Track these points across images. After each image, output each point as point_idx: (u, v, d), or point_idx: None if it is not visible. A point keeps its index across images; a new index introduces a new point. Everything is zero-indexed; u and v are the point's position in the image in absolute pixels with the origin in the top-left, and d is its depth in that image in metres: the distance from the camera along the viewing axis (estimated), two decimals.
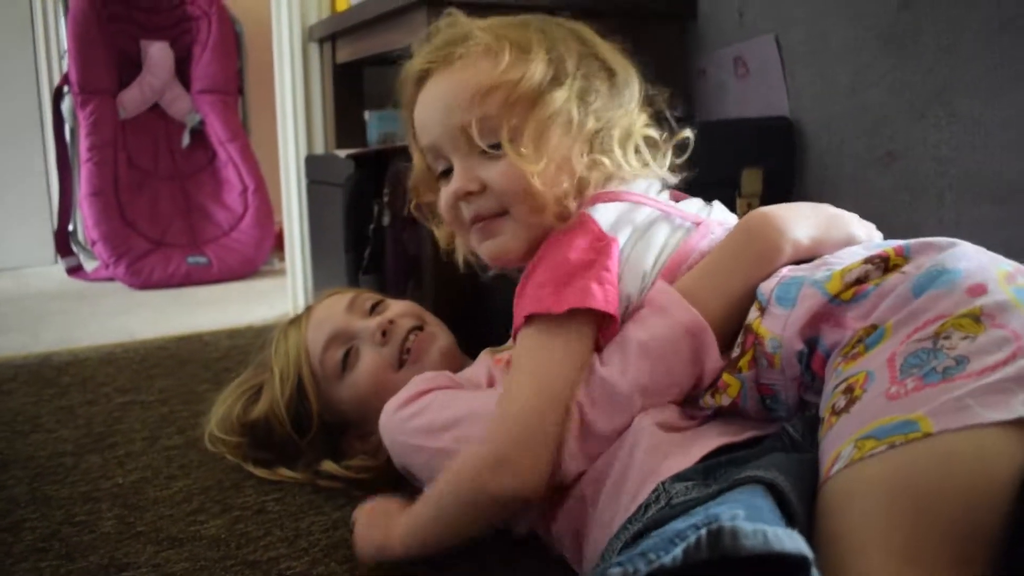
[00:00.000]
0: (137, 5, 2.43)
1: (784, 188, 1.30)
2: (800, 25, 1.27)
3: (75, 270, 2.42)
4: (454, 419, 0.83)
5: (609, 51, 0.85)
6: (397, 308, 1.08)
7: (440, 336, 1.06)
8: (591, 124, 0.79)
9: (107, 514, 1.02)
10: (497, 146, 0.77)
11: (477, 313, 1.29)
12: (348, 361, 1.04)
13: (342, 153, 1.69)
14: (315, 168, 1.66)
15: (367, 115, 1.75)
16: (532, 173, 0.75)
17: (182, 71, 2.49)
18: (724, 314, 0.73)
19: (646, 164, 0.83)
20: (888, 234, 1.15)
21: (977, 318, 0.57)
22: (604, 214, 0.78)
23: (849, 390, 0.60)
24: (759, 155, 1.27)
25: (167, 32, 2.47)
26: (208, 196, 2.48)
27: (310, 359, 1.06)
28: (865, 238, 0.79)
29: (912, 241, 0.66)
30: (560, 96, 0.77)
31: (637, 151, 0.83)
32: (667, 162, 0.86)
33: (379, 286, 1.43)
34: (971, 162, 1.07)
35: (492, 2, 1.30)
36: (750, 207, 1.26)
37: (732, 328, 0.73)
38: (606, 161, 0.80)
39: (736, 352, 0.71)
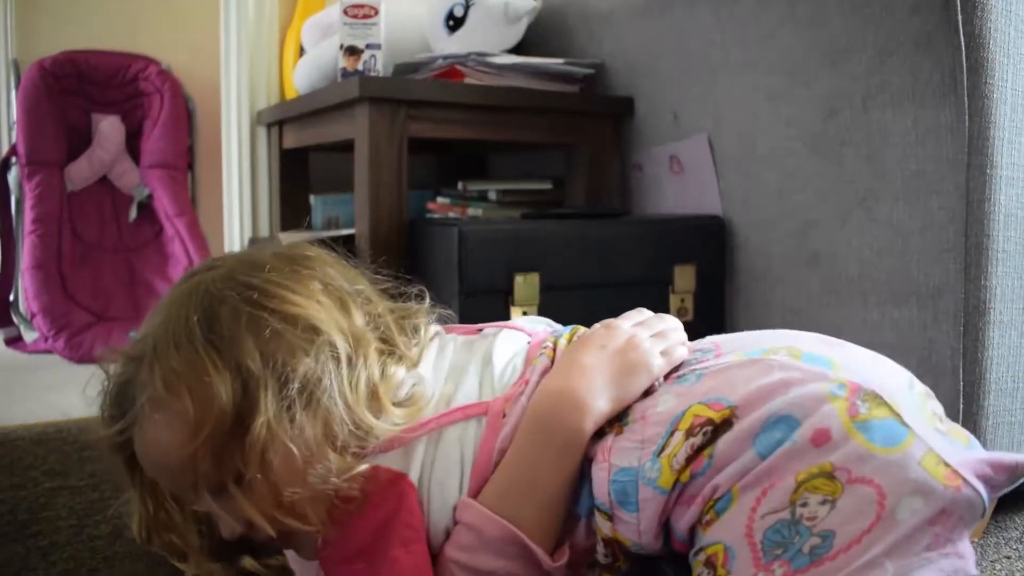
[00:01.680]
0: (89, 79, 2.43)
1: (716, 285, 1.34)
2: (731, 128, 1.32)
3: (14, 341, 2.36)
4: None
5: (290, 297, 0.68)
6: None
7: None
8: (311, 430, 0.64)
9: None
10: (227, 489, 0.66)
11: None
12: None
13: (285, 236, 1.70)
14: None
15: (312, 199, 1.76)
16: (274, 514, 0.65)
17: (132, 145, 2.49)
18: (541, 515, 0.67)
19: (413, 405, 0.70)
20: (816, 331, 1.20)
21: (831, 475, 0.55)
22: (386, 457, 0.68)
23: (710, 564, 0.59)
24: (692, 253, 1.31)
25: (119, 107, 2.47)
26: (153, 270, 2.45)
27: None
28: (664, 367, 0.71)
29: (739, 392, 0.62)
30: (260, 425, 0.63)
31: (387, 403, 0.69)
32: (420, 348, 0.75)
33: None
34: (893, 266, 1.11)
35: (434, 100, 1.34)
36: (683, 303, 1.30)
37: (555, 521, 0.68)
38: (359, 455, 0.67)
39: (608, 560, 0.68)
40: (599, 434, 0.68)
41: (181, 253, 2.46)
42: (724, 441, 0.60)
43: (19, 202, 2.35)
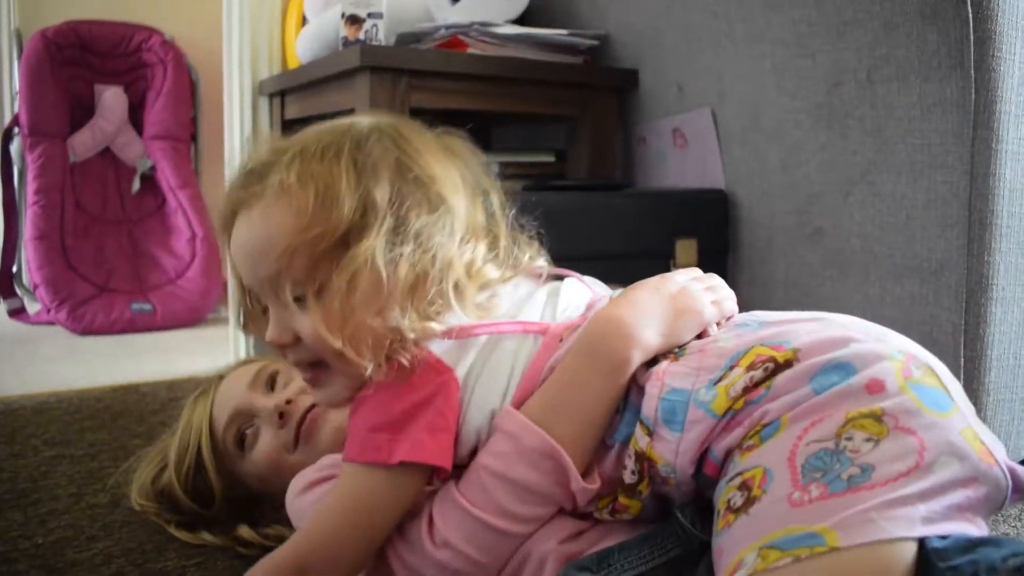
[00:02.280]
0: (93, 50, 2.42)
1: (718, 260, 1.33)
2: (735, 101, 1.31)
3: (17, 312, 2.37)
4: None
5: (434, 164, 0.73)
6: (298, 384, 1.02)
7: (334, 413, 1.01)
8: (405, 273, 0.68)
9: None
10: (306, 298, 0.69)
11: None
12: (246, 442, 1.01)
13: None
14: None
15: None
16: (336, 335, 0.67)
17: (135, 117, 2.49)
18: (579, 434, 0.69)
19: (485, 309, 0.73)
20: (818, 307, 1.19)
21: (879, 418, 0.57)
22: (441, 346, 0.71)
23: (745, 487, 0.59)
24: (693, 226, 1.30)
25: (122, 77, 2.47)
26: (156, 242, 2.46)
27: (213, 434, 1.04)
28: (716, 316, 0.75)
29: (802, 339, 0.64)
30: (365, 249, 0.67)
31: (472, 291, 0.73)
32: (516, 271, 0.78)
33: None
34: (895, 241, 1.10)
35: (435, 70, 1.33)
36: None
37: (590, 445, 0.70)
38: (431, 320, 0.70)
39: (633, 479, 0.68)
40: (652, 362, 0.70)
41: (184, 225, 2.46)
42: (783, 377, 0.62)
43: (21, 173, 2.35)
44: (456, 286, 0.71)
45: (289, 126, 1.73)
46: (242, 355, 1.90)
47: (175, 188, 2.43)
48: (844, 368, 0.60)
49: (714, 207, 1.32)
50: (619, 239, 1.26)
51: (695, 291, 0.76)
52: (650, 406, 0.67)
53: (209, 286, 2.40)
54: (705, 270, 1.32)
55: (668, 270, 1.29)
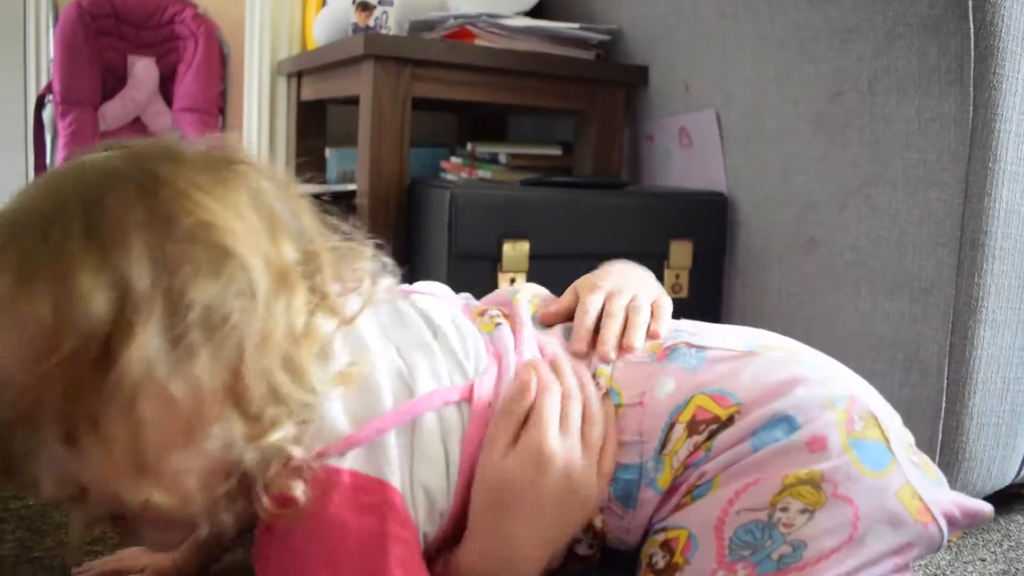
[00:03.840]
0: (126, 20, 2.46)
1: (714, 263, 1.32)
2: (740, 104, 1.29)
3: None
4: None
5: (207, 203, 0.50)
6: None
7: None
8: (207, 375, 0.47)
9: (9, 536, 1.03)
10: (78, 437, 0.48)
11: None
12: None
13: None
14: None
15: (328, 152, 1.77)
16: (136, 482, 0.48)
17: (166, 88, 2.52)
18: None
19: (347, 376, 0.55)
20: (810, 318, 1.18)
21: (818, 485, 0.55)
22: (356, 459, 0.55)
23: (668, 548, 0.58)
24: (690, 228, 1.29)
25: (154, 49, 2.50)
26: None
27: None
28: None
29: (745, 389, 0.60)
30: (135, 358, 0.46)
31: (311, 361, 0.52)
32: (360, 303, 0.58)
33: None
34: (887, 256, 1.08)
35: (439, 60, 1.33)
36: (678, 279, 1.28)
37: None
38: (276, 427, 0.50)
39: (588, 551, 0.64)
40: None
41: None
42: (724, 436, 0.59)
43: (53, 140, 2.40)
44: (287, 365, 0.51)
45: (305, 107, 1.74)
46: None
47: None
48: (786, 422, 0.57)
49: (713, 210, 1.31)
50: (612, 238, 1.25)
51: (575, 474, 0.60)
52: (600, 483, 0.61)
53: None
54: (701, 273, 1.32)
55: (662, 271, 1.29)
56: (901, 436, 0.61)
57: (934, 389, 1.03)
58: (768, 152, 1.25)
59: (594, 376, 0.65)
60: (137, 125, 2.50)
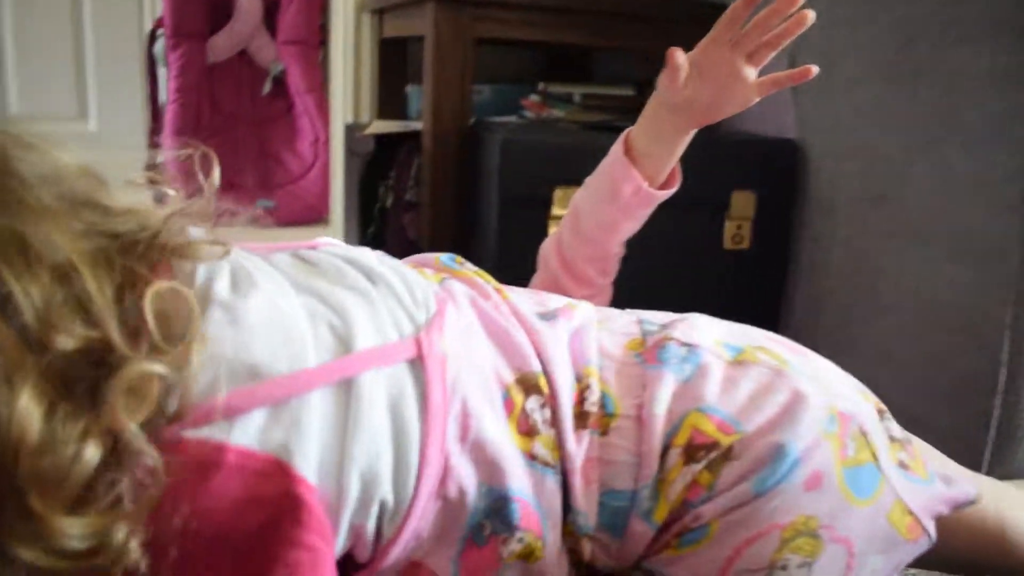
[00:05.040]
0: None
1: (780, 215, 1.27)
2: (811, 50, 1.22)
3: (162, 198, 2.58)
4: None
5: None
6: None
7: None
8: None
9: None
10: None
11: None
12: None
13: (379, 124, 1.75)
14: (351, 138, 1.72)
15: (408, 89, 1.78)
16: None
17: (270, 20, 2.58)
18: None
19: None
20: (874, 276, 1.12)
21: (815, 533, 0.53)
22: (249, 430, 0.43)
23: None
24: (753, 177, 1.24)
25: None
26: (282, 143, 2.58)
27: None
28: None
29: (746, 414, 0.55)
30: None
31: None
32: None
33: None
34: (954, 217, 1.02)
35: (503, 1, 1.31)
36: (739, 229, 1.24)
37: None
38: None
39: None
40: (582, 419, 0.55)
41: (308, 128, 2.57)
42: (725, 471, 0.54)
43: (164, 73, 2.51)
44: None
45: (386, 44, 1.76)
46: None
47: (302, 92, 2.53)
48: (786, 457, 0.54)
49: (779, 158, 1.25)
50: None
51: None
52: (591, 512, 0.55)
53: (327, 188, 2.51)
54: (765, 224, 1.27)
55: (722, 223, 1.25)
56: (885, 440, 0.59)
57: (993, 362, 0.97)
58: (839, 100, 1.18)
59: (581, 377, 0.56)
60: (243, 58, 2.58)
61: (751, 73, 0.81)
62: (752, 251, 1.27)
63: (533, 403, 0.53)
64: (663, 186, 0.88)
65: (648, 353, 0.58)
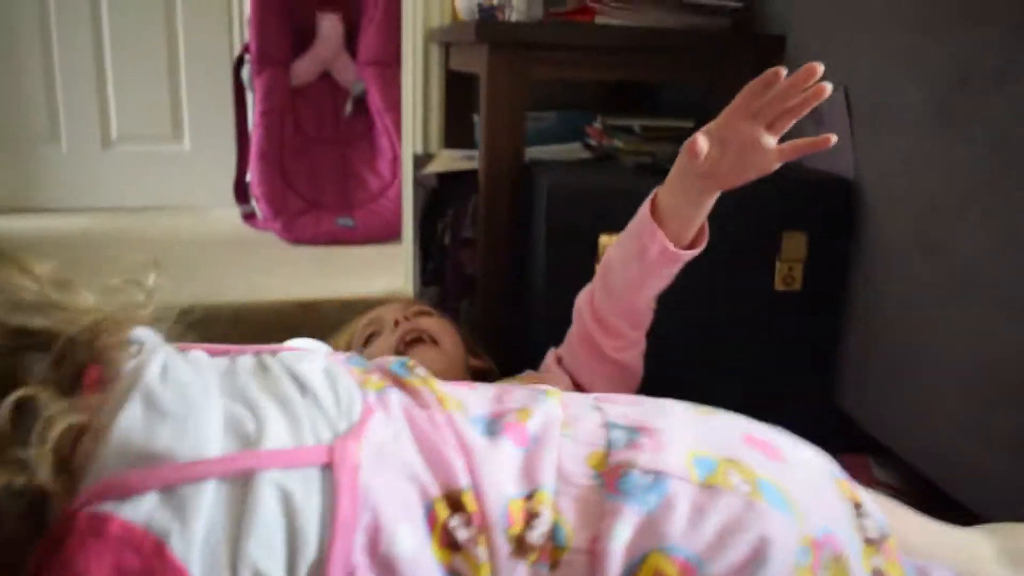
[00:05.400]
0: None
1: (833, 257, 1.25)
2: (867, 85, 1.19)
3: (249, 216, 2.70)
4: None
5: None
6: (429, 321, 1.18)
7: (435, 354, 1.12)
8: None
9: None
10: None
11: (520, 335, 1.36)
12: (368, 342, 1.18)
13: (446, 153, 1.78)
14: (418, 167, 1.77)
15: (476, 118, 1.82)
16: None
17: (351, 42, 2.66)
18: None
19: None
20: (925, 328, 1.09)
21: None
22: (139, 508, 0.46)
23: None
24: (804, 218, 1.22)
25: (339, 5, 2.64)
26: (363, 162, 2.66)
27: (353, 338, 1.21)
28: None
29: (710, 544, 0.53)
30: None
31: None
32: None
33: (438, 299, 1.53)
34: (1007, 273, 0.98)
35: (555, 43, 1.33)
36: (790, 271, 1.23)
37: None
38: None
39: None
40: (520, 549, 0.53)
41: (387, 146, 2.64)
42: None
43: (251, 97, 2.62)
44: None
45: (454, 75, 1.79)
46: (410, 279, 2.05)
47: (382, 111, 2.60)
48: None
49: (832, 197, 1.23)
50: (719, 229, 1.21)
51: None
52: None
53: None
54: (817, 268, 1.25)
55: (773, 266, 1.24)
56: (859, 548, 0.58)
57: None
58: (893, 139, 1.15)
59: (532, 500, 0.54)
60: (326, 80, 2.67)
61: (771, 141, 0.82)
62: (805, 293, 1.25)
63: (456, 521, 0.52)
64: (690, 245, 0.89)
65: (609, 476, 0.56)
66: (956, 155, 1.04)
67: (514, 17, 1.40)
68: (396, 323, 1.16)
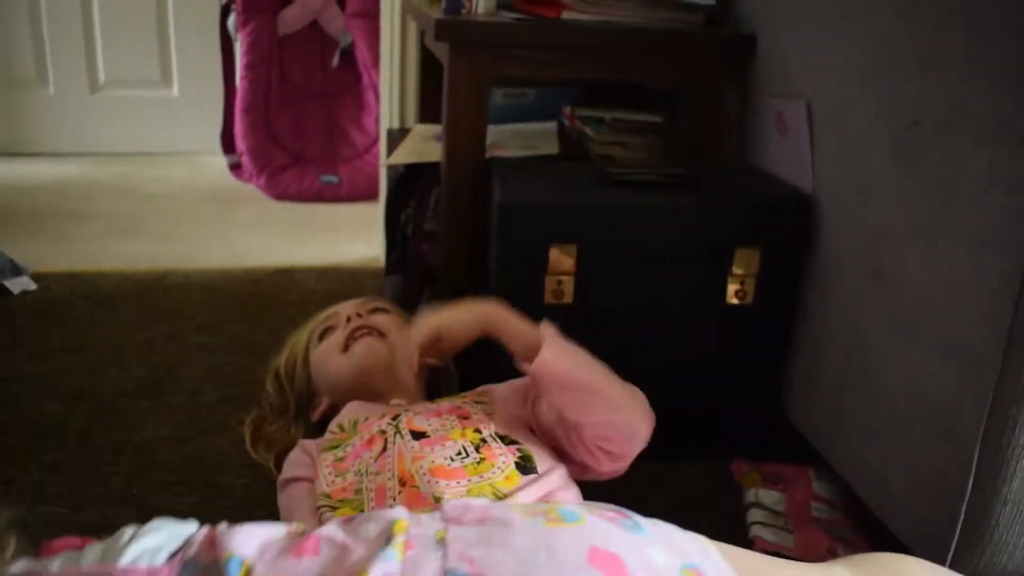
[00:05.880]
0: None
1: (786, 274, 1.24)
2: (828, 102, 1.17)
3: (236, 167, 2.69)
4: None
5: None
6: (382, 319, 1.21)
7: (379, 343, 1.17)
8: None
9: (122, 470, 1.24)
10: None
11: None
12: (323, 337, 1.23)
13: (420, 128, 1.77)
14: (391, 141, 1.76)
15: None
16: None
17: None
18: None
19: None
20: (866, 356, 1.10)
21: None
22: None
23: None
24: (758, 234, 1.22)
25: None
26: (348, 117, 2.64)
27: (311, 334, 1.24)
28: None
29: None
30: None
31: None
32: None
33: (400, 288, 1.54)
34: (943, 313, 0.98)
35: (517, 42, 1.30)
36: (742, 285, 1.23)
37: None
38: None
39: None
40: None
41: (374, 102, 2.61)
42: None
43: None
44: None
45: (428, 52, 1.76)
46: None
47: (368, 66, 2.57)
48: None
49: (787, 214, 1.22)
50: (671, 243, 1.21)
51: None
52: None
53: None
54: (771, 280, 1.25)
55: (725, 280, 1.24)
56: None
57: (963, 468, 0.95)
58: (850, 160, 1.14)
59: None
60: (314, 30, 2.62)
61: None
62: (756, 307, 1.25)
63: None
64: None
65: None
66: (906, 192, 1.03)
67: (481, 8, 1.37)
68: (348, 319, 1.19)
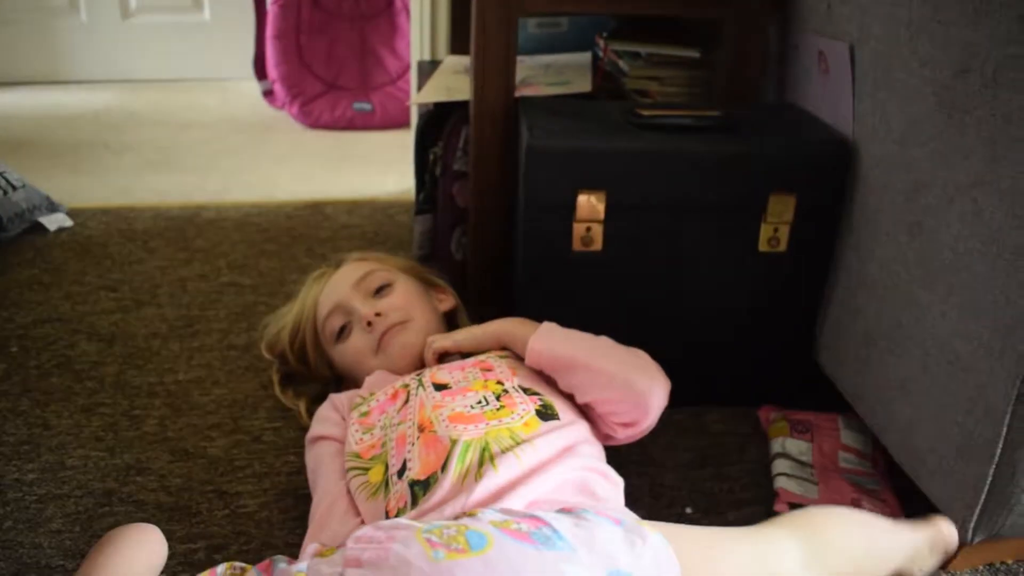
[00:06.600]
0: None
1: (823, 222, 1.20)
2: (873, 47, 1.11)
3: (268, 93, 2.66)
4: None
5: None
6: (394, 300, 1.19)
7: (410, 333, 1.17)
8: None
9: (155, 413, 1.27)
10: None
11: (510, 266, 1.37)
12: (342, 335, 1.19)
13: (451, 60, 1.73)
14: (421, 74, 1.72)
15: None
16: None
17: None
18: None
19: None
20: (901, 306, 1.07)
21: None
22: None
23: None
24: (794, 180, 1.18)
25: None
26: (382, 42, 2.58)
27: (317, 318, 1.23)
28: None
29: None
30: None
31: None
32: None
33: (431, 229, 1.52)
34: (981, 273, 0.95)
35: None
36: (776, 232, 1.20)
37: None
38: None
39: None
40: None
41: (406, 26, 2.55)
42: None
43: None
44: None
45: None
46: None
47: None
48: None
49: (826, 161, 1.17)
50: (703, 188, 1.18)
51: None
52: None
53: None
54: (805, 228, 1.21)
55: (758, 227, 1.20)
56: None
57: (995, 429, 0.93)
58: (892, 109, 1.08)
59: None
60: None
61: None
62: (790, 255, 1.22)
63: None
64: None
65: None
66: (948, 143, 0.98)
67: None
68: (369, 323, 1.16)
